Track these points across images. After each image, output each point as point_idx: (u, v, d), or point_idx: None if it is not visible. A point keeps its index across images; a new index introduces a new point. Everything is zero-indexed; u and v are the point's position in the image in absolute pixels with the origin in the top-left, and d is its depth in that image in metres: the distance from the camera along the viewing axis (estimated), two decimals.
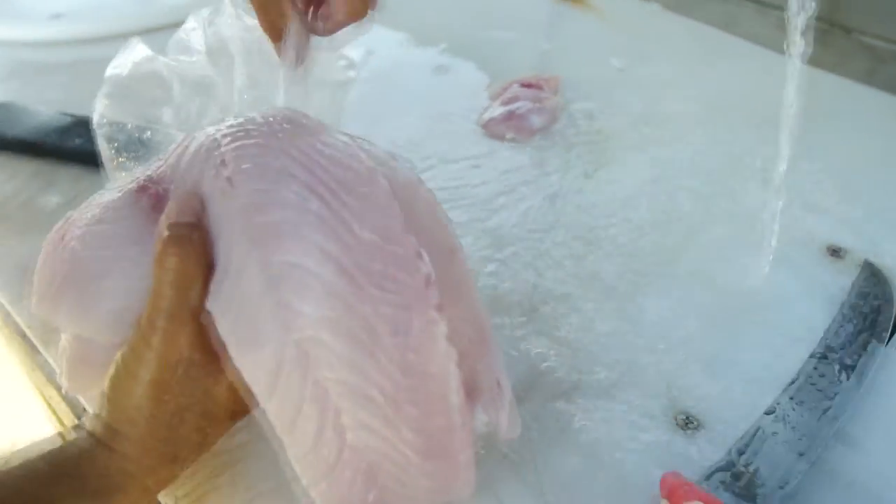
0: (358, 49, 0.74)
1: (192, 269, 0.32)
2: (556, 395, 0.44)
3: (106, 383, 0.34)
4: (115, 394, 0.34)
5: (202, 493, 0.40)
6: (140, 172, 0.37)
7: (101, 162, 0.55)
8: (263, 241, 0.32)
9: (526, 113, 0.62)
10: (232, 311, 0.32)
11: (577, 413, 0.43)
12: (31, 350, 0.52)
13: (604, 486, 0.39)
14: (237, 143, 0.34)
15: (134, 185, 0.36)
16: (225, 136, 0.35)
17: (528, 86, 0.65)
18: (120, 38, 0.76)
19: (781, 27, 0.48)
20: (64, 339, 0.38)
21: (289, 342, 0.31)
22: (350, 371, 0.31)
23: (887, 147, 0.60)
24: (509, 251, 0.52)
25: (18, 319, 0.52)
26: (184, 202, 0.34)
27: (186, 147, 0.36)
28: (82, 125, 0.63)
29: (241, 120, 0.36)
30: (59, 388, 0.41)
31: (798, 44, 0.47)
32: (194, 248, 0.32)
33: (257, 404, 0.32)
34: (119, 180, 0.38)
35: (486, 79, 0.69)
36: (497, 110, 0.63)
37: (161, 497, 0.41)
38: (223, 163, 0.34)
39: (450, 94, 0.68)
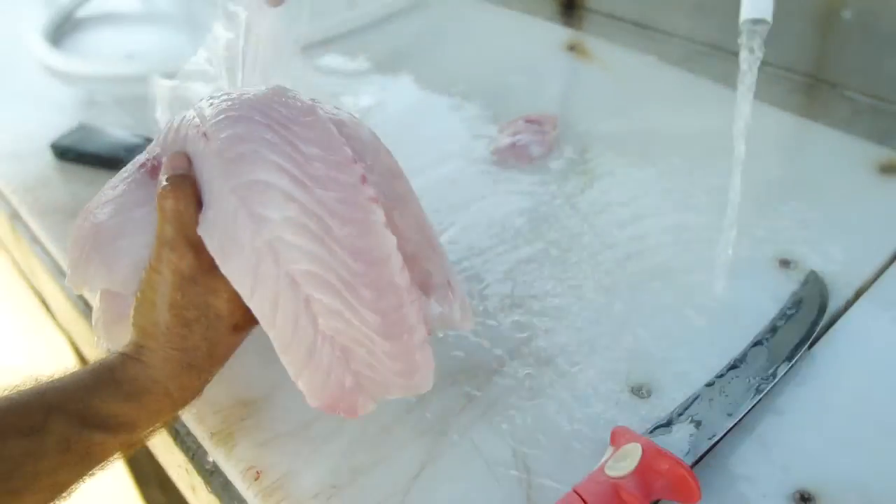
0: (378, 94, 0.85)
1: (184, 207, 0.41)
2: (533, 363, 0.52)
3: (132, 311, 0.43)
4: (137, 316, 0.43)
5: (231, 431, 0.49)
6: (139, 155, 0.47)
7: None
8: (232, 169, 0.40)
9: (527, 143, 0.72)
10: (217, 231, 0.41)
11: (549, 377, 0.51)
12: None
13: (567, 435, 0.47)
14: (210, 105, 0.43)
15: (138, 162, 0.46)
16: (202, 103, 0.44)
17: (531, 121, 0.74)
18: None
19: (768, 80, 0.57)
20: (95, 306, 0.48)
21: (260, 244, 0.40)
22: (311, 261, 0.40)
23: (846, 180, 0.67)
24: (504, 251, 0.61)
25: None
26: (173, 159, 0.43)
27: (173, 124, 0.45)
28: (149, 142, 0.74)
29: (218, 93, 0.45)
30: None
31: (748, 85, 0.56)
32: (185, 190, 0.41)
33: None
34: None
35: (496, 116, 0.78)
36: (504, 140, 0.73)
37: (196, 432, 0.50)
38: (201, 121, 0.43)
39: (464, 127, 0.77)
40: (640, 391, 0.50)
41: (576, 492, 0.41)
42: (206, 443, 0.49)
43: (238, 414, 0.50)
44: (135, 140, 0.75)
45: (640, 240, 0.62)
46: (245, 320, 0.43)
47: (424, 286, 0.44)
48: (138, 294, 0.43)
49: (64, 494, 0.40)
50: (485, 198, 0.67)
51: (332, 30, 0.98)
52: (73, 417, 0.39)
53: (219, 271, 0.41)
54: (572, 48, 0.90)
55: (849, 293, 0.55)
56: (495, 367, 0.52)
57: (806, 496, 0.43)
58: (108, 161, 0.73)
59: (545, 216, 0.65)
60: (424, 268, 0.44)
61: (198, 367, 0.43)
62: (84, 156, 0.74)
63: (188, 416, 0.50)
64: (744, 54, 0.56)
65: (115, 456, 0.41)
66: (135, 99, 0.88)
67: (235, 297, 0.41)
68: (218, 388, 0.50)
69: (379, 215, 0.41)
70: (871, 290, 0.56)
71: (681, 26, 0.96)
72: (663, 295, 0.57)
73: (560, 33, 0.95)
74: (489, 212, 0.65)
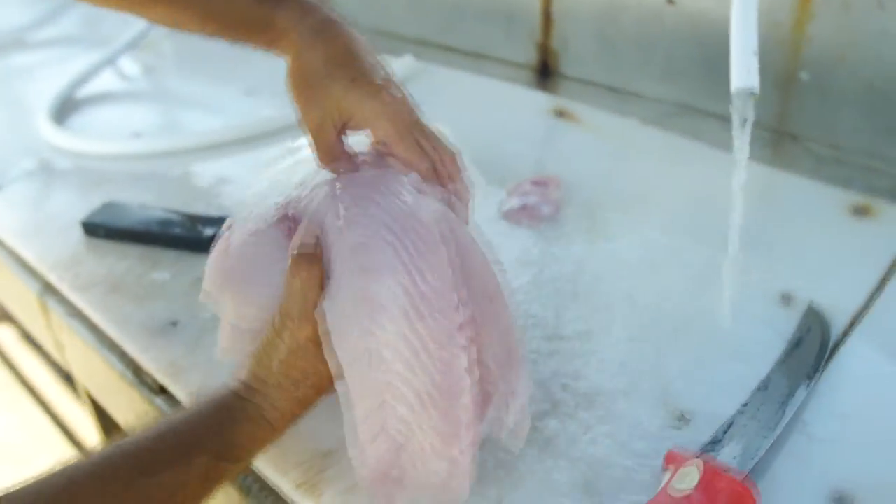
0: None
1: (310, 288, 0.47)
2: (581, 404, 0.57)
3: (250, 360, 0.49)
4: (255, 366, 0.49)
5: (315, 482, 0.53)
6: (281, 201, 0.53)
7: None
8: (359, 275, 0.46)
9: (537, 204, 0.78)
10: (333, 317, 0.47)
11: (598, 413, 0.56)
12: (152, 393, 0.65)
13: (620, 465, 0.52)
14: (349, 193, 0.50)
15: (276, 215, 0.52)
16: (340, 186, 0.51)
17: (536, 183, 0.81)
18: (188, 153, 0.93)
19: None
20: (223, 322, 0.54)
21: (362, 347, 0.46)
22: (396, 377, 0.46)
23: (823, 223, 0.75)
24: (534, 303, 0.67)
25: (146, 366, 0.65)
26: (307, 235, 0.49)
27: (310, 190, 0.52)
28: (180, 217, 0.78)
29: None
30: None
31: (743, 148, 0.63)
32: (312, 273, 0.47)
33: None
34: (260, 206, 0.54)
35: (501, 180, 0.84)
36: (514, 202, 0.79)
37: (281, 484, 0.54)
38: (339, 208, 0.49)
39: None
40: (679, 419, 0.55)
41: None
42: (293, 494, 0.52)
43: (318, 465, 0.53)
44: (166, 215, 0.78)
45: (651, 288, 0.68)
46: None
47: (487, 396, 0.50)
48: (259, 348, 0.49)
49: None
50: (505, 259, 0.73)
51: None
52: (211, 452, 0.45)
53: (328, 342, 0.47)
54: (560, 114, 0.98)
55: (844, 321, 0.63)
56: (547, 409, 0.57)
57: (841, 497, 0.49)
58: (140, 236, 0.76)
59: (566, 270, 0.71)
60: (496, 383, 0.50)
61: (295, 413, 0.50)
62: (115, 232, 0.77)
63: (270, 472, 0.54)
64: (736, 120, 0.63)
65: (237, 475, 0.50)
66: (148, 176, 0.92)
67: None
68: (296, 442, 0.54)
69: (463, 360, 0.47)
70: (865, 318, 0.63)
71: (651, 90, 1.05)
72: (681, 336, 0.63)
73: (544, 100, 1.03)
74: (515, 270, 0.71)
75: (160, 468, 0.43)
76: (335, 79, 0.52)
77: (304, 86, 0.53)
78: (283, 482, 0.53)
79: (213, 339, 0.57)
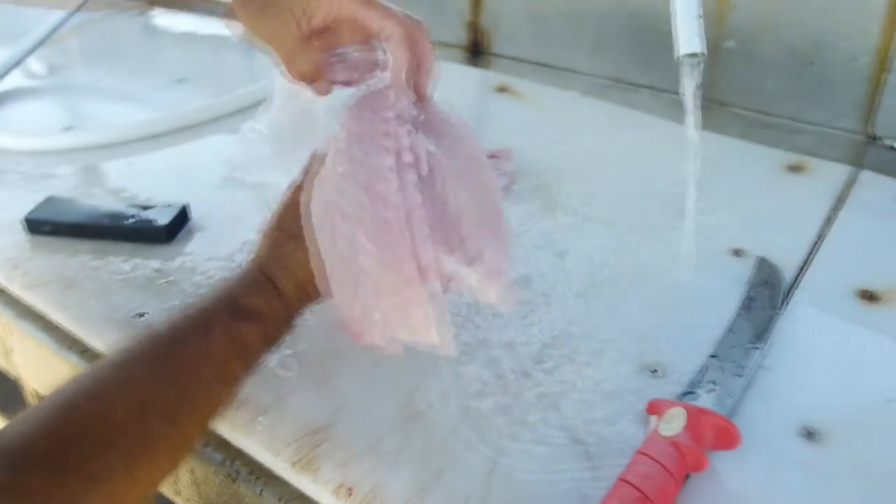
0: None
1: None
2: (556, 364, 0.59)
3: (263, 238, 0.55)
4: (268, 242, 0.54)
5: (311, 458, 0.53)
6: None
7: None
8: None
9: None
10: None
11: (580, 367, 0.58)
12: None
13: (601, 412, 0.55)
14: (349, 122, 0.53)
15: None
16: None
17: (490, 156, 0.82)
18: (123, 145, 0.91)
19: (670, 104, 0.68)
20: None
21: (321, 192, 0.51)
22: (336, 193, 0.50)
23: (762, 180, 0.80)
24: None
25: None
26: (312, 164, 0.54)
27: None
28: (131, 208, 0.76)
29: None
30: None
31: (695, 112, 0.66)
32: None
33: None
34: None
35: None
36: None
37: (275, 465, 0.54)
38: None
39: None
40: (655, 371, 0.58)
41: (641, 452, 0.48)
42: (288, 472, 0.52)
43: (311, 441, 0.54)
44: (115, 207, 0.76)
45: (613, 248, 0.71)
46: None
47: (450, 247, 0.51)
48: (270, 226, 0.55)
49: (232, 389, 0.49)
50: None
51: (257, 94, 1.01)
52: (227, 312, 0.48)
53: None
54: (502, 89, 1.00)
55: (793, 269, 0.67)
56: (527, 370, 0.59)
57: (810, 431, 0.52)
58: (89, 230, 0.74)
59: (523, 239, 0.73)
60: (463, 234, 0.51)
61: (310, 293, 0.53)
62: (62, 227, 0.75)
63: (263, 453, 0.54)
64: (687, 84, 0.66)
65: (262, 350, 0.51)
66: (86, 169, 0.89)
67: None
68: (285, 422, 0.54)
69: (387, 161, 0.49)
70: (811, 265, 0.67)
71: (583, 64, 1.08)
72: (648, 290, 0.66)
73: (484, 76, 1.05)
74: None
75: (181, 337, 0.46)
76: None
77: None
78: (276, 462, 0.53)
79: None
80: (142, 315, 0.65)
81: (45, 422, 0.41)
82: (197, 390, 0.46)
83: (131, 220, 0.74)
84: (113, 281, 0.69)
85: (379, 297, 0.50)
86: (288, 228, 0.53)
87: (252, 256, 0.54)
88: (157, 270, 0.70)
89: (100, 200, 0.78)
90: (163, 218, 0.74)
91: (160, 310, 0.65)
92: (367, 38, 0.54)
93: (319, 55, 0.54)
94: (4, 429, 0.40)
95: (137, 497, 0.43)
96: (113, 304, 0.67)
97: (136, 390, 0.44)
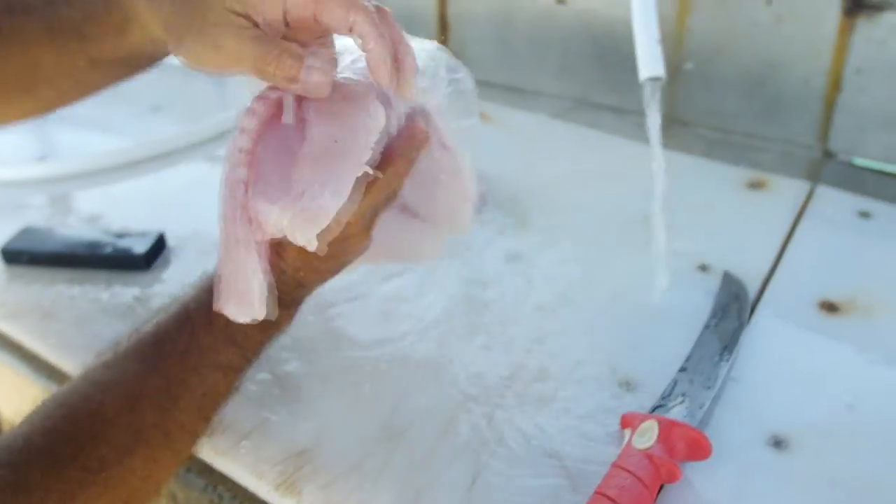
0: None
1: None
2: (537, 374, 0.61)
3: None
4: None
5: (293, 481, 0.53)
6: None
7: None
8: None
9: None
10: None
11: (554, 384, 0.60)
12: None
13: (576, 427, 0.56)
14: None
15: None
16: None
17: None
18: (98, 173, 0.91)
19: (634, 125, 0.70)
20: None
21: None
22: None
23: (726, 197, 0.83)
24: (481, 288, 0.70)
25: None
26: None
27: None
28: (107, 236, 0.76)
29: None
30: None
31: (658, 132, 0.69)
32: None
33: None
34: None
35: None
36: None
37: (258, 489, 0.54)
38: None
39: None
40: (627, 385, 0.60)
41: (617, 465, 0.50)
42: (272, 495, 0.53)
43: (294, 464, 0.54)
44: (92, 236, 0.77)
45: (584, 265, 0.73)
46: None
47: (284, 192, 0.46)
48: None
49: (226, 375, 0.50)
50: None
51: (224, 123, 1.02)
52: (209, 300, 0.48)
53: None
54: None
55: (758, 283, 0.69)
56: (502, 389, 0.60)
57: (778, 440, 0.55)
58: (66, 259, 0.74)
59: (496, 260, 0.75)
60: (294, 177, 0.45)
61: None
62: (39, 257, 0.75)
63: (245, 476, 0.54)
64: (650, 109, 0.68)
65: (253, 336, 0.51)
66: (62, 198, 0.89)
67: None
68: (268, 445, 0.55)
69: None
70: (774, 278, 0.70)
71: (549, 87, 1.11)
72: (618, 307, 0.68)
73: None
74: (451, 264, 0.74)
75: (166, 330, 0.47)
76: None
77: (176, 22, 0.44)
78: (260, 485, 0.54)
79: None
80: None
81: (41, 421, 0.43)
82: (184, 377, 0.47)
83: (108, 249, 0.74)
84: (91, 309, 0.70)
85: (223, 263, 0.48)
86: None
87: None
88: (135, 298, 0.71)
89: (76, 230, 0.78)
90: (140, 246, 0.74)
91: None
92: (325, 34, 0.48)
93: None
94: (8, 431, 0.42)
95: (138, 487, 0.45)
96: (91, 332, 0.67)
97: (126, 384, 0.46)
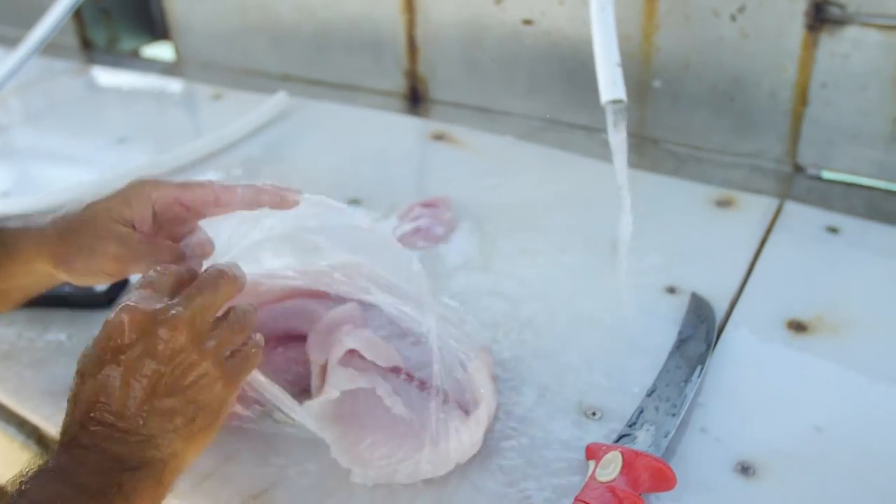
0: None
1: None
2: (501, 403, 0.60)
3: None
4: None
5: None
6: None
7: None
8: None
9: (430, 225, 0.81)
10: None
11: (518, 412, 0.59)
12: None
13: (541, 455, 0.55)
14: None
15: None
16: None
17: (426, 205, 0.83)
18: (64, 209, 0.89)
19: (604, 143, 0.70)
20: None
21: None
22: None
23: (693, 217, 0.82)
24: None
25: (52, 432, 0.62)
26: None
27: None
28: None
29: None
30: None
31: (621, 149, 0.68)
32: None
33: None
34: None
35: (393, 206, 0.86)
36: (406, 226, 0.81)
37: None
38: None
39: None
40: (592, 414, 0.59)
41: (580, 500, 0.49)
42: None
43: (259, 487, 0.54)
44: None
45: (552, 290, 0.72)
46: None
47: None
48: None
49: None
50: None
51: (200, 150, 1.02)
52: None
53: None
54: (439, 137, 1.01)
55: (725, 304, 0.69)
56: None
57: (745, 466, 0.54)
58: (50, 300, 0.73)
59: (472, 284, 0.74)
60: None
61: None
62: None
63: None
64: (611, 127, 0.68)
65: None
66: None
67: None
68: (224, 489, 0.54)
69: None
70: (741, 298, 0.69)
71: (518, 107, 1.10)
72: (585, 332, 0.67)
73: (420, 124, 1.06)
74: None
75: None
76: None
77: (64, 251, 0.56)
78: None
79: None
80: None
81: None
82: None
83: (68, 287, 0.73)
84: (49, 350, 0.68)
85: None
86: None
87: None
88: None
89: None
90: (100, 284, 0.73)
91: None
92: (194, 220, 0.58)
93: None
94: None
95: None
96: (50, 375, 0.66)
97: None
